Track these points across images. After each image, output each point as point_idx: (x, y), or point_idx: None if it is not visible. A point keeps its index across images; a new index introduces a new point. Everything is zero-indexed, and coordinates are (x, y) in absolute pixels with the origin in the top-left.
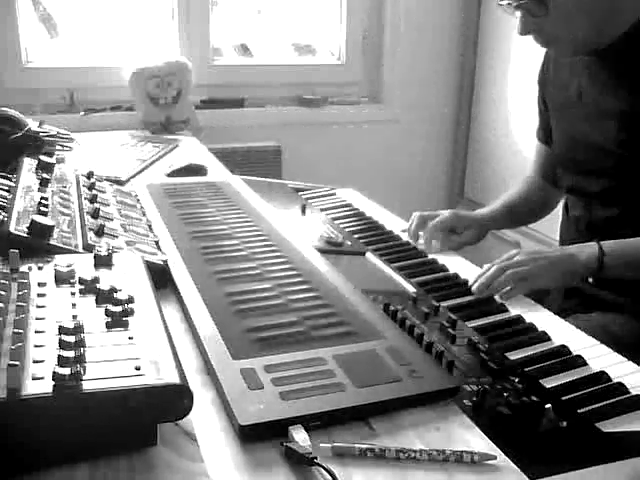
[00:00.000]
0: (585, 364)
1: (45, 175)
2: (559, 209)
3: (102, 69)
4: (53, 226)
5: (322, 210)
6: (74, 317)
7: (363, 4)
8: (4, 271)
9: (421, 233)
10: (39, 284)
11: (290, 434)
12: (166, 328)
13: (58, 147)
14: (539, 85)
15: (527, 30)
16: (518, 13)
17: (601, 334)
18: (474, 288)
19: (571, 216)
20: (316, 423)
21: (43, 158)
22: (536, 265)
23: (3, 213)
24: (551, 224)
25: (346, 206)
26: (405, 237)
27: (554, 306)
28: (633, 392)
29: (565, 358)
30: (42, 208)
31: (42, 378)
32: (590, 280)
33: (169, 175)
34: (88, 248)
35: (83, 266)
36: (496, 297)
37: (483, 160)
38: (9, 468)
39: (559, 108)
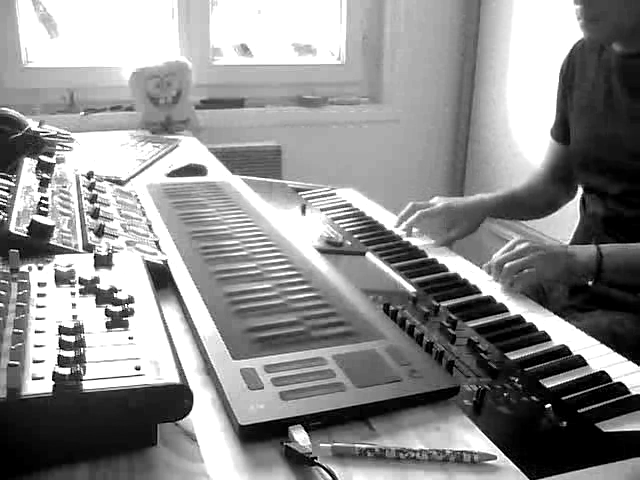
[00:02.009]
0: (585, 364)
1: (45, 175)
2: (565, 212)
3: (102, 69)
4: (53, 226)
5: (322, 210)
6: (74, 317)
7: (363, 4)
8: (4, 271)
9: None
10: (39, 284)
11: (290, 434)
12: (166, 328)
13: (58, 147)
14: (562, 83)
15: None
16: None
17: (603, 334)
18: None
19: (589, 212)
20: (316, 423)
21: (43, 158)
22: (538, 255)
23: (3, 213)
24: (559, 228)
25: (346, 206)
26: (405, 237)
27: (559, 303)
28: (633, 392)
29: (565, 358)
30: (42, 208)
31: (42, 378)
32: (590, 283)
33: (169, 175)
34: (88, 248)
35: (83, 266)
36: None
37: (483, 160)
38: (9, 468)
39: (584, 108)
